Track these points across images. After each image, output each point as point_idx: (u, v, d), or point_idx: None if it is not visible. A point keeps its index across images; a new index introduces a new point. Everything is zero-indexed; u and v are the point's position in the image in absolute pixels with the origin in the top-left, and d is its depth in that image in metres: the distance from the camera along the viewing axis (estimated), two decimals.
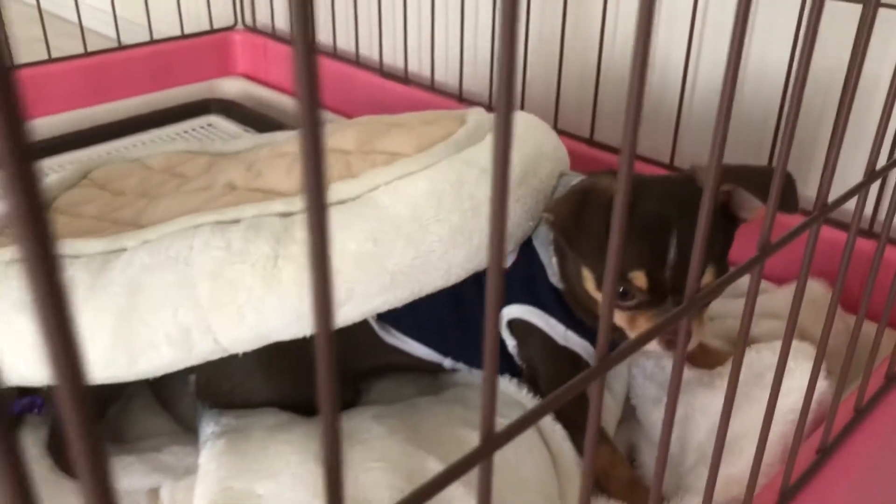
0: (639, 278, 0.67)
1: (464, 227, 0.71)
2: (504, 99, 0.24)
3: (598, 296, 0.72)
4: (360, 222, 0.69)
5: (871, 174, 0.48)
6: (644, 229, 0.67)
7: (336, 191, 0.73)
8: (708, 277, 0.67)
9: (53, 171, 1.28)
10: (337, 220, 0.70)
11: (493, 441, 0.28)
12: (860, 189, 0.47)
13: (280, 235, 0.68)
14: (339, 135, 0.86)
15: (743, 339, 0.46)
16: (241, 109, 1.54)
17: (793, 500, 0.58)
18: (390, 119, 0.92)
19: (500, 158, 0.24)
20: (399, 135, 0.82)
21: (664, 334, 0.66)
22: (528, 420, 0.29)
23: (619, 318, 0.70)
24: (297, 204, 0.72)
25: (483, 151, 0.76)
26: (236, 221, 0.71)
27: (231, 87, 1.65)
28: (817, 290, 0.92)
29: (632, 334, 0.70)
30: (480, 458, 0.28)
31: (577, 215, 0.68)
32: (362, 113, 1.42)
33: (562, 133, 1.16)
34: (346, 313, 0.69)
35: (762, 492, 0.59)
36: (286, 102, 1.58)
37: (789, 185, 0.68)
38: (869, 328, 0.68)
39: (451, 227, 0.70)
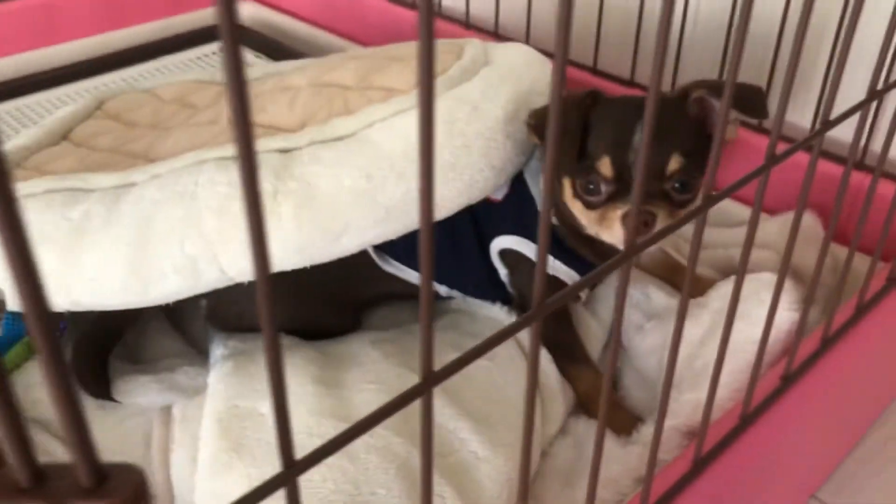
0: (604, 165, 0.72)
1: (455, 164, 0.74)
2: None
3: (575, 207, 0.75)
4: (355, 159, 0.73)
5: (825, 123, 0.50)
6: (610, 122, 0.73)
7: (333, 127, 0.76)
8: (674, 165, 0.70)
9: (71, 98, 1.32)
10: (333, 157, 0.73)
11: (431, 378, 0.32)
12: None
13: (279, 171, 0.72)
14: (341, 70, 0.88)
15: (691, 270, 0.50)
16: (253, 35, 1.54)
17: (752, 424, 0.62)
18: (390, 51, 0.94)
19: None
20: (396, 70, 0.84)
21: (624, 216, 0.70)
22: (464, 360, 0.33)
23: (591, 221, 0.74)
24: (296, 140, 0.76)
25: (476, 88, 0.79)
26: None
27: (242, 12, 1.65)
28: (805, 220, 0.94)
29: (604, 234, 0.73)
30: (419, 393, 0.32)
31: None
32: (374, 40, 1.43)
33: None
34: (344, 245, 0.73)
35: (723, 416, 0.63)
36: (299, 28, 1.58)
37: (758, 95, 0.76)
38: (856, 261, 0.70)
39: (441, 164, 0.73)
